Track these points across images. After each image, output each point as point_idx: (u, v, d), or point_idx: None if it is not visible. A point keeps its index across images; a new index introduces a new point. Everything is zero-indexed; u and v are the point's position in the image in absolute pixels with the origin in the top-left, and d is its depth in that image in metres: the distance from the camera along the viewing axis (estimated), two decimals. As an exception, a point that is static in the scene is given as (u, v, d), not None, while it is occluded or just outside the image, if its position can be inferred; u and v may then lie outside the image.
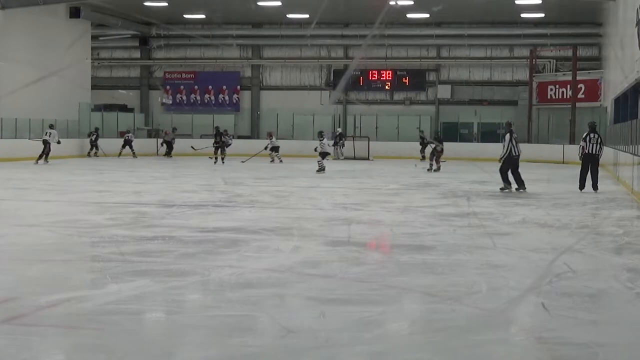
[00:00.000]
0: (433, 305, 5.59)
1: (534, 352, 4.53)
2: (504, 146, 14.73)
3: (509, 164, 14.74)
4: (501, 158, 14.77)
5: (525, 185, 14.75)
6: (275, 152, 26.04)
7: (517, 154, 14.75)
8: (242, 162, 25.13)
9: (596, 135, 14.96)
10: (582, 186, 14.86)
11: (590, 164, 14.86)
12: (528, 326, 5.03)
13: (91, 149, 28.61)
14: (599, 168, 15.26)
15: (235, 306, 5.39)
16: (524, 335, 4.83)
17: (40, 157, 22.93)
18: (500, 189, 14.76)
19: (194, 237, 8.52)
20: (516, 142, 14.73)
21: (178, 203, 12.26)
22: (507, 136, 14.74)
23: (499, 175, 14.87)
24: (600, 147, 14.96)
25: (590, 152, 14.83)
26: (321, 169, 20.27)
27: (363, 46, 34.15)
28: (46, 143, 23.09)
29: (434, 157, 21.67)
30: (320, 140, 20.96)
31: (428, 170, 21.32)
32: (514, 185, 14.76)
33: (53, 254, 7.55)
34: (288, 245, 8.05)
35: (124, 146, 28.76)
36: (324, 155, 20.70)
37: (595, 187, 14.79)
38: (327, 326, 4.86)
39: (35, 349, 4.35)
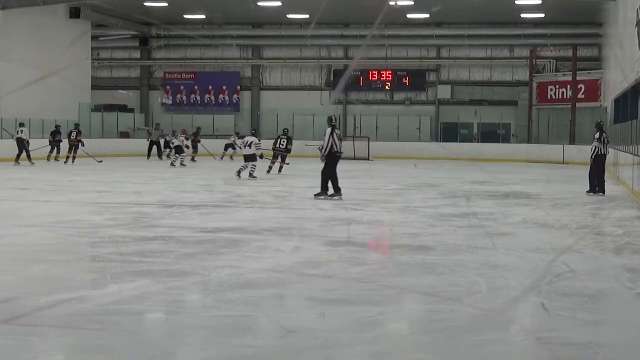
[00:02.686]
0: (433, 305, 5.59)
1: (534, 352, 4.53)
2: (324, 141, 12.71)
3: (334, 163, 12.87)
4: (322, 155, 12.74)
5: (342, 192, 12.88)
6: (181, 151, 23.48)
7: (339, 151, 12.96)
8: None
9: (607, 135, 14.68)
10: (594, 189, 14.32)
11: (602, 165, 14.37)
12: (528, 326, 5.03)
13: (170, 151, 25.52)
14: None
15: (235, 306, 5.40)
16: (524, 335, 4.83)
17: (19, 158, 22.23)
18: (316, 195, 12.89)
19: (194, 238, 8.52)
20: (339, 138, 12.99)
21: (178, 203, 12.26)
22: (329, 130, 12.78)
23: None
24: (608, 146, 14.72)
25: (603, 152, 14.33)
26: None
27: (363, 46, 34.16)
28: (21, 141, 22.41)
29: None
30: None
31: (250, 175, 17.58)
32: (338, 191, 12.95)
33: (53, 254, 7.55)
34: (288, 246, 8.05)
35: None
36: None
37: (603, 189, 14.31)
38: (327, 326, 4.86)
39: (36, 349, 4.35)
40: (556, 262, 7.14)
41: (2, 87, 25.10)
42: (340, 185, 12.84)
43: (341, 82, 34.32)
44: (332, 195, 12.83)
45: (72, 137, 24.15)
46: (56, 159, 24.40)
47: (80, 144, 24.05)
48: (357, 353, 4.36)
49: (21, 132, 22.77)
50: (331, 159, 12.81)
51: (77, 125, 25.06)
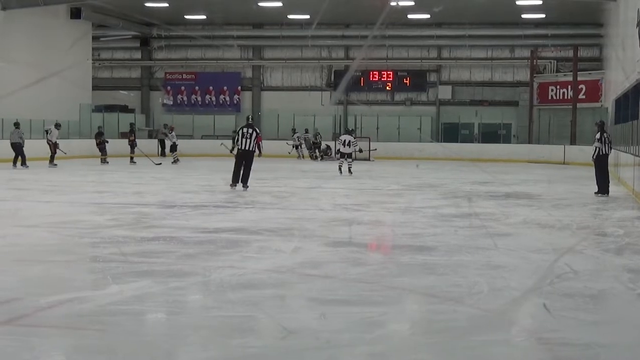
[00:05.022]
0: (434, 306, 5.59)
1: (535, 352, 4.53)
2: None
3: (238, 158, 14.81)
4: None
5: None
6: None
7: (239, 147, 14.72)
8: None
9: (609, 135, 14.63)
10: (602, 189, 14.23)
11: (605, 166, 14.30)
12: (529, 327, 5.03)
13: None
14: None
15: (236, 307, 5.39)
16: (525, 336, 4.83)
17: (51, 159, 22.38)
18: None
19: (195, 238, 8.51)
20: (245, 137, 14.57)
21: (179, 204, 12.26)
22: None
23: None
24: (611, 146, 14.63)
25: (605, 152, 14.24)
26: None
27: (364, 47, 34.17)
28: (49, 143, 22.66)
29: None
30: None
31: (348, 171, 19.57)
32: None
33: (54, 254, 7.55)
34: (289, 246, 8.05)
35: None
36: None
37: (607, 190, 14.21)
38: (328, 327, 4.86)
39: (36, 350, 4.35)
40: (557, 263, 7.13)
41: (3, 88, 25.08)
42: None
43: (342, 82, 34.34)
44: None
45: (130, 138, 25.24)
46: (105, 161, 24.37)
47: (135, 143, 25.18)
48: (358, 354, 4.36)
49: (49, 133, 22.87)
50: (236, 155, 15.01)
51: (132, 125, 26.05)
